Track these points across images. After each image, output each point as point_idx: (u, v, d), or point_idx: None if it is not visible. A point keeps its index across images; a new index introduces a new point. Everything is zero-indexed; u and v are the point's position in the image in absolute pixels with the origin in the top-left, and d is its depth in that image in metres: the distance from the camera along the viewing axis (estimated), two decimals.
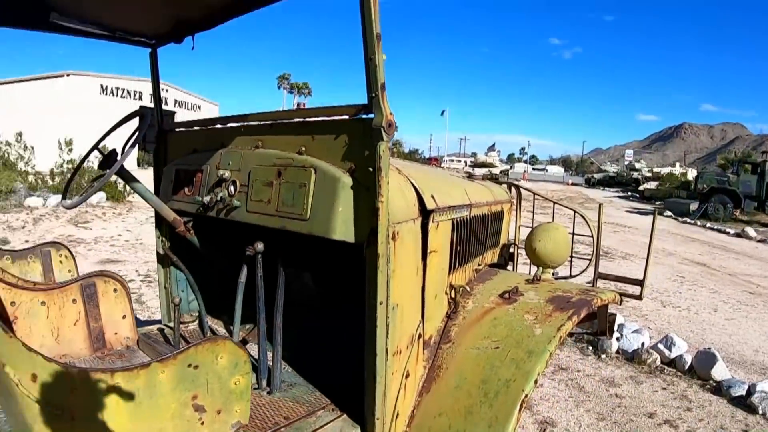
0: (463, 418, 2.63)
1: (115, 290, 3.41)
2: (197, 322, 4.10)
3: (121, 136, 3.49)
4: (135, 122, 3.58)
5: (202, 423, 2.29)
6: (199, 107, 51.17)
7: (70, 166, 22.86)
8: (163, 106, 4.16)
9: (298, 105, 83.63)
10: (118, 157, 3.24)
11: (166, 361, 2.13)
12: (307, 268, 3.86)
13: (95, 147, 3.56)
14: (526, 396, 2.54)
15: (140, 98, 43.90)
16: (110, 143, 3.51)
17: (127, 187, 19.47)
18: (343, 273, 3.48)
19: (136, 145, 3.31)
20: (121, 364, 3.12)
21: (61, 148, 23.94)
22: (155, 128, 3.93)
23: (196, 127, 3.82)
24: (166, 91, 43.51)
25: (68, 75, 39.64)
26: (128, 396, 2.05)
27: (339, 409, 2.89)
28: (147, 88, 43.76)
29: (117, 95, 42.66)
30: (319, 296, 4.11)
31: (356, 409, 2.75)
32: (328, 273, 3.95)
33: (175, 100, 47.10)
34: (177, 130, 3.95)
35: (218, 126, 3.56)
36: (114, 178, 3.30)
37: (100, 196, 19.92)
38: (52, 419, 1.96)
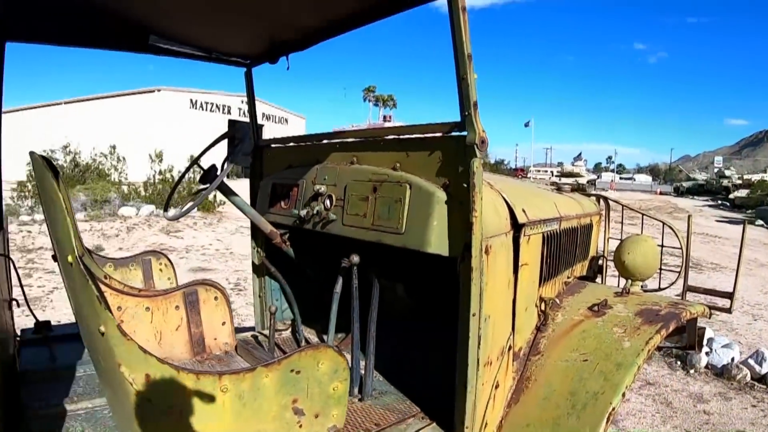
0: (550, 430, 2.66)
1: (215, 298, 3.55)
2: (290, 330, 4.23)
3: (213, 150, 3.66)
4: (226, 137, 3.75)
5: (301, 426, 2.37)
6: (287, 120, 51.87)
7: (160, 177, 23.60)
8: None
9: (384, 117, 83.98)
10: (218, 173, 3.39)
11: (271, 366, 2.22)
12: (400, 280, 3.91)
13: (195, 162, 3.73)
14: (614, 409, 2.55)
15: (229, 112, 44.76)
16: (201, 157, 3.68)
17: (218, 198, 19.99)
18: (435, 285, 3.52)
19: (234, 161, 3.46)
20: (221, 368, 3.26)
21: (152, 160, 24.74)
22: (251, 144, 4.08)
23: (291, 143, 3.95)
24: None
25: (159, 90, 40.84)
26: (234, 398, 2.15)
27: (428, 418, 2.95)
28: (235, 102, 44.60)
29: (206, 109, 43.65)
30: (411, 308, 4.17)
31: (445, 418, 2.79)
32: (419, 285, 4.00)
33: (263, 114, 47.81)
34: (273, 146, 4.09)
35: (313, 142, 3.67)
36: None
37: None
38: (162, 417, 2.08)
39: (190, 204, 3.48)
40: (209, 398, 2.11)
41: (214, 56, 3.94)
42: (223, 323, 3.60)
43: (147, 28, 3.42)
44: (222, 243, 15.13)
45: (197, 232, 16.92)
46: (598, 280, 4.45)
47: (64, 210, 1.99)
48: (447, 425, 2.79)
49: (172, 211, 3.49)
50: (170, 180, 23.06)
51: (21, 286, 3.55)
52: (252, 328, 4.42)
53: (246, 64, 4.11)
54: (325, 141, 3.56)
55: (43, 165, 2.09)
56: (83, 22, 3.26)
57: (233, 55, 4.03)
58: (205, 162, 3.53)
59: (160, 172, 24.07)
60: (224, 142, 3.74)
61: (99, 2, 3.03)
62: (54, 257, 3.46)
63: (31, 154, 2.24)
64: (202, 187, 3.52)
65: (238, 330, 4.17)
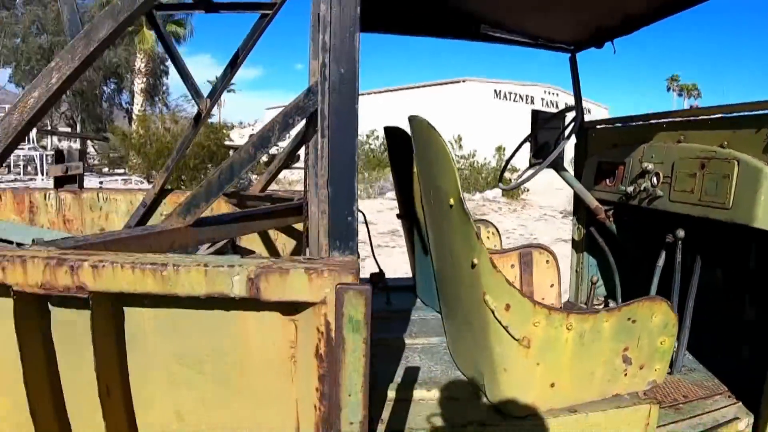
0: None
1: (547, 261, 3.86)
2: (602, 305, 4.36)
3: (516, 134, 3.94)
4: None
5: (626, 374, 2.58)
6: (589, 110, 50.52)
7: (466, 161, 24.46)
8: (554, 110, 4.49)
9: (690, 107, 79.23)
10: (552, 149, 3.71)
11: (612, 312, 2.48)
12: (719, 258, 3.93)
13: (527, 139, 4.08)
14: None
15: (531, 102, 44.29)
16: (503, 140, 3.98)
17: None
18: (755, 266, 3.54)
19: (568, 140, 3.76)
20: None
21: (452, 146, 25.68)
22: (577, 125, 4.34)
23: (617, 124, 4.15)
24: (557, 95, 43.67)
25: (464, 81, 41.74)
26: (576, 336, 2.42)
27: (735, 397, 2.99)
28: (537, 92, 44.32)
29: (509, 99, 43.64)
30: (727, 287, 4.17)
31: (753, 400, 2.85)
32: (738, 264, 4.02)
33: (566, 104, 46.91)
34: (598, 126, 4.34)
35: (639, 123, 3.85)
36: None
37: (497, 191, 21.15)
38: (512, 344, 2.37)
39: (525, 176, 3.83)
40: (556, 333, 2.40)
41: (540, 43, 4.20)
42: (552, 285, 3.88)
43: (479, 18, 3.82)
44: (526, 228, 15.24)
45: (502, 216, 17.25)
46: None
47: (451, 161, 2.38)
48: (753, 407, 2.84)
49: (507, 184, 3.82)
50: (476, 165, 23.81)
51: (369, 239, 4.04)
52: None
53: (570, 50, 4.30)
54: (651, 121, 3.71)
55: (429, 126, 2.50)
56: (423, 13, 3.73)
57: (559, 42, 4.25)
58: (510, 146, 3.85)
59: (464, 157, 24.90)
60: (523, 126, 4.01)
61: None
62: (399, 215, 3.97)
63: (411, 117, 2.64)
64: (535, 161, 3.88)
65: None
